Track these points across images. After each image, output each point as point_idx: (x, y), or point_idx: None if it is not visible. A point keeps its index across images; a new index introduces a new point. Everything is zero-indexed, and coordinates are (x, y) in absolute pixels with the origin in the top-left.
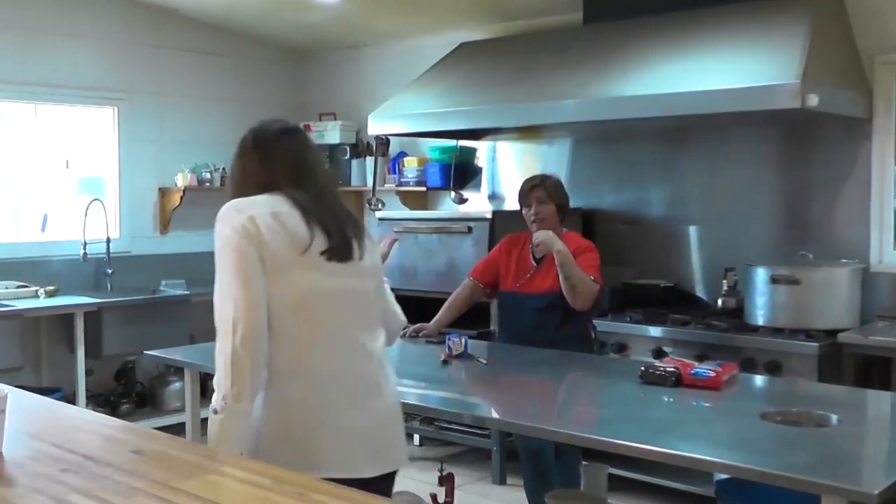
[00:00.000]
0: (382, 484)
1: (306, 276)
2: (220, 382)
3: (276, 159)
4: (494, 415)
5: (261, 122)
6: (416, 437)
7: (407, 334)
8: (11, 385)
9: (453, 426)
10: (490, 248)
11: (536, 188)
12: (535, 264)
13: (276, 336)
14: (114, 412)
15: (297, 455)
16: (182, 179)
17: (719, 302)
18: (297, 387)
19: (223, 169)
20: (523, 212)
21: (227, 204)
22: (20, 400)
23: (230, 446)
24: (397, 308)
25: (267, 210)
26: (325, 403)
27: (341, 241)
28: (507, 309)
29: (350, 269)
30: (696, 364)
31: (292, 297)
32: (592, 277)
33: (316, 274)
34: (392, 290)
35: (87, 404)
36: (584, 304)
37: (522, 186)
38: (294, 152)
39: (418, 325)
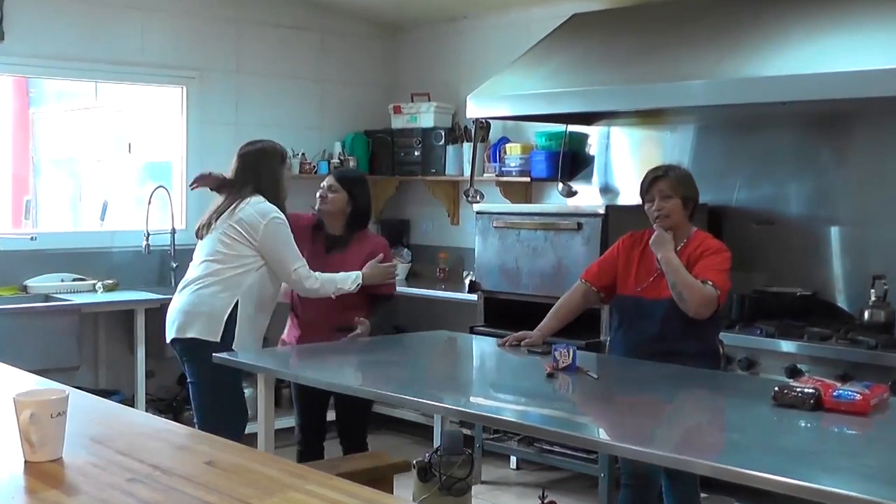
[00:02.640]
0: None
1: None
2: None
3: None
4: (604, 436)
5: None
6: (513, 460)
7: (507, 343)
8: (67, 385)
9: (556, 448)
10: (603, 247)
11: (659, 180)
12: (659, 266)
13: None
14: (176, 419)
15: None
16: None
17: (866, 314)
18: None
19: (303, 154)
20: (645, 207)
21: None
22: (80, 401)
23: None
24: None
25: None
26: None
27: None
28: (625, 316)
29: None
30: (840, 385)
31: None
32: (711, 281)
33: None
34: (491, 292)
35: (146, 409)
36: (697, 311)
37: (645, 178)
38: None
39: (521, 332)
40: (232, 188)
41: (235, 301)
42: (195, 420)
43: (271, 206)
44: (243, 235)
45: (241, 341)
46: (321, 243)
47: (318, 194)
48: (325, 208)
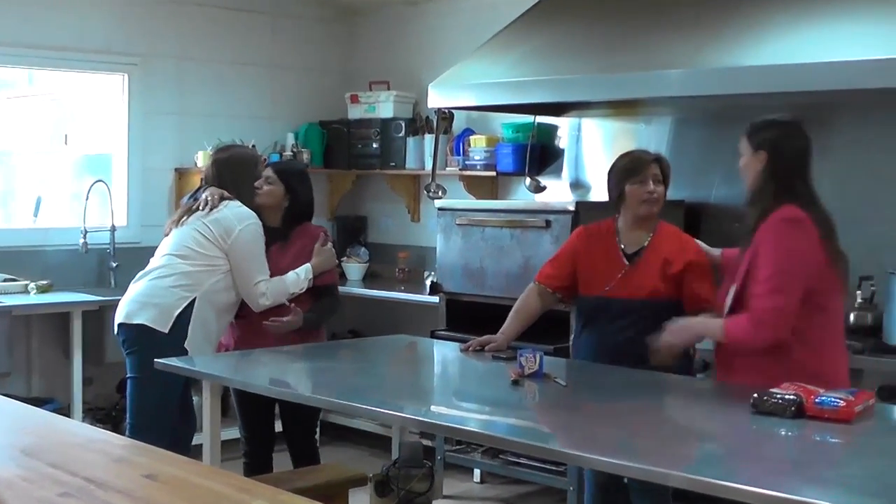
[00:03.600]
0: None
1: None
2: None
3: None
4: (573, 447)
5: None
6: (477, 473)
7: (470, 348)
8: None
9: (522, 460)
10: None
11: (654, 164)
12: (626, 262)
13: None
14: (116, 429)
15: None
16: (204, 158)
17: (852, 317)
18: None
19: (253, 146)
20: (631, 188)
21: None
22: (10, 410)
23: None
24: None
25: None
26: None
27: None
28: (591, 318)
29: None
30: (823, 391)
31: None
32: (710, 312)
33: None
34: (454, 294)
35: (84, 418)
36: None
37: (637, 157)
38: None
39: (484, 337)
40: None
41: (192, 299)
42: (126, 422)
43: (250, 212)
44: (215, 236)
45: (192, 342)
46: None
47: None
48: (259, 201)
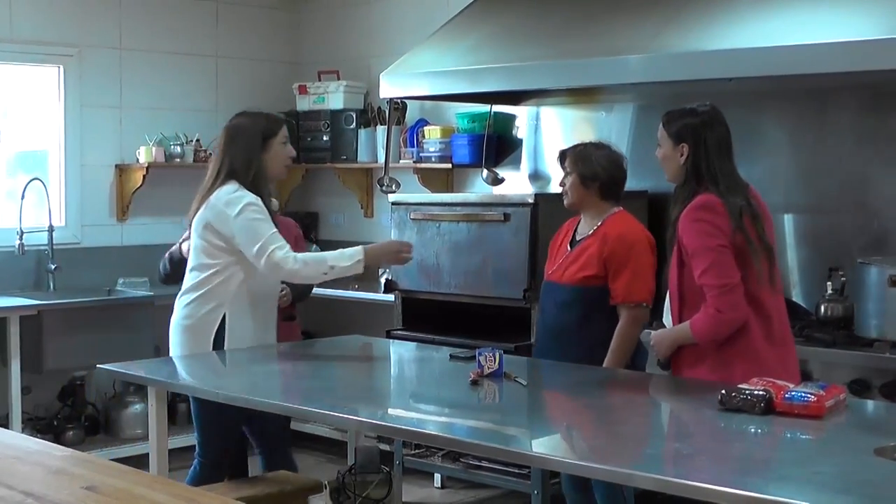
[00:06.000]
0: None
1: None
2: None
3: None
4: (536, 449)
5: None
6: (437, 478)
7: None
8: None
9: (484, 464)
10: (533, 239)
11: (563, 156)
12: (569, 248)
13: None
14: (57, 440)
15: None
16: (145, 154)
17: (822, 309)
18: None
19: (197, 140)
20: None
21: None
22: None
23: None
24: None
25: None
26: None
27: None
28: (542, 302)
29: None
30: (792, 386)
31: None
32: (633, 303)
33: None
34: (410, 291)
35: (23, 429)
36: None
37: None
38: None
39: None
40: (211, 172)
41: (223, 315)
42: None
43: (243, 193)
44: (216, 235)
45: (238, 343)
46: None
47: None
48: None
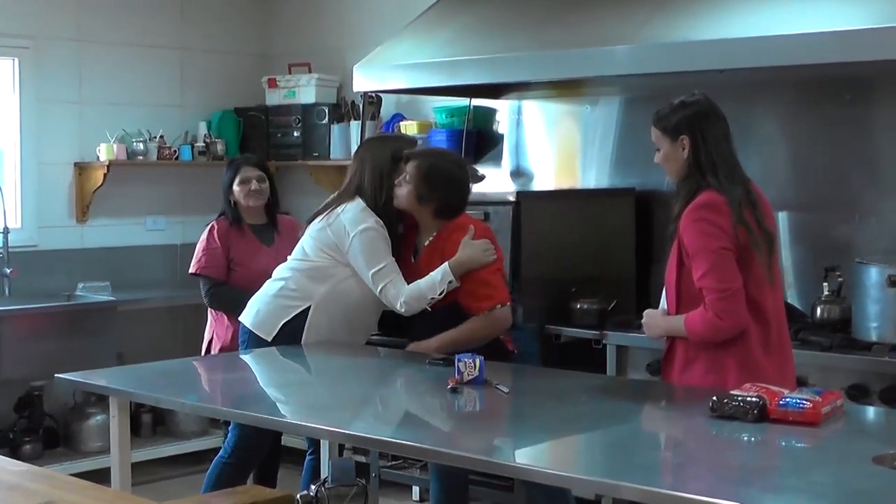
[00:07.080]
0: None
1: None
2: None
3: None
4: (519, 460)
5: None
6: (416, 490)
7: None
8: None
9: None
10: (515, 238)
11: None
12: (412, 258)
13: None
14: (14, 453)
15: None
16: (106, 152)
17: (818, 311)
18: None
19: (161, 137)
20: None
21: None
22: None
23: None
24: None
25: None
26: None
27: None
28: None
29: None
30: (787, 392)
31: None
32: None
33: None
34: None
35: None
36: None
37: None
38: None
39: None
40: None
41: (303, 308)
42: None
43: (367, 213)
44: (331, 245)
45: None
46: (252, 238)
47: (248, 190)
48: (260, 202)
